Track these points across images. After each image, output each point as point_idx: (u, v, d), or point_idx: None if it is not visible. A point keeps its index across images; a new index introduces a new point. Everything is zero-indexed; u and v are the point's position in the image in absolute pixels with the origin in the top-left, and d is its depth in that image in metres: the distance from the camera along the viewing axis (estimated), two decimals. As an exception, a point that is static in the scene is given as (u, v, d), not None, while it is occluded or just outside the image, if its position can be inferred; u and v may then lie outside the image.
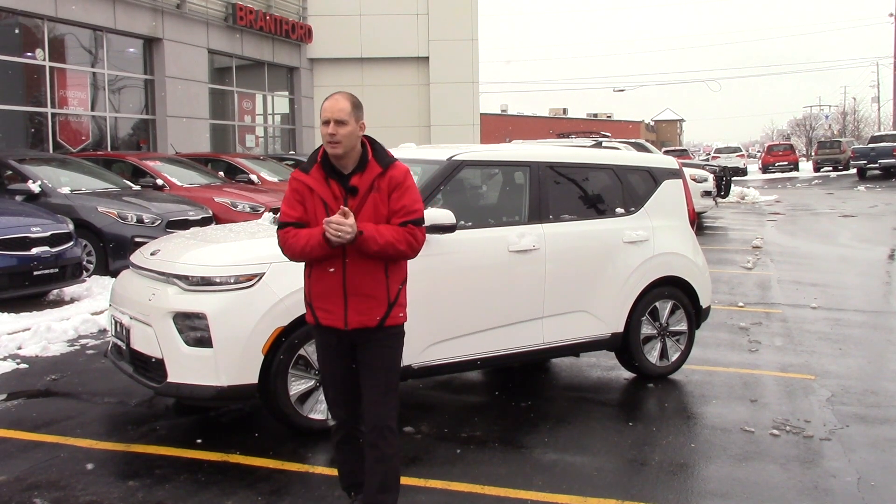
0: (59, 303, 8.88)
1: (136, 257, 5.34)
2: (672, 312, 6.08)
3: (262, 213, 9.53)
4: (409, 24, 24.65)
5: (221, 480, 4.24)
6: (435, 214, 4.66)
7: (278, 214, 5.77)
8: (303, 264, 3.54)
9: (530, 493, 4.11)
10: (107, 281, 9.45)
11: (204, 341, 4.52)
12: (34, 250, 8.44)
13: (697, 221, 11.61)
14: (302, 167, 3.52)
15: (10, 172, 10.43)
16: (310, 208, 3.43)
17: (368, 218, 3.37)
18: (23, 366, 6.56)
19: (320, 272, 3.42)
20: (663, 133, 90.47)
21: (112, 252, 9.87)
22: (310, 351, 4.71)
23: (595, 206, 5.88)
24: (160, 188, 12.16)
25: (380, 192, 3.40)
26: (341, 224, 3.22)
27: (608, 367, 6.43)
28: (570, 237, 5.60)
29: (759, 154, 64.00)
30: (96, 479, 4.26)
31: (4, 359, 6.68)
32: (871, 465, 4.53)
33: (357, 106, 3.40)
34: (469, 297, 5.14)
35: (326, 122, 3.35)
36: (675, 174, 6.36)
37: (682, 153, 34.85)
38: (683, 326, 6.14)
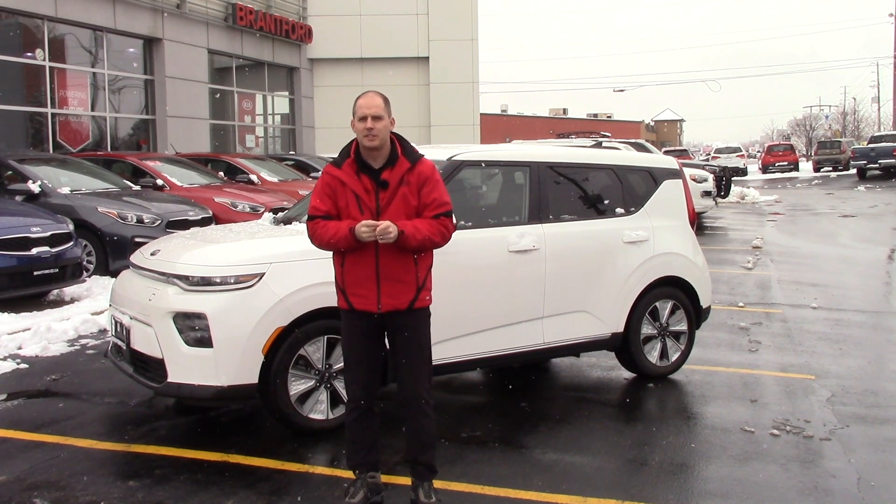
0: (59, 303, 8.88)
1: (136, 257, 5.34)
2: (672, 312, 6.08)
3: (262, 213, 9.53)
4: (409, 24, 24.66)
5: (221, 480, 4.24)
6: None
7: (279, 214, 5.82)
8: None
9: (530, 493, 4.11)
10: (107, 281, 9.45)
11: (204, 341, 4.52)
12: (34, 250, 8.44)
13: (697, 221, 11.61)
14: (334, 162, 3.80)
15: (10, 172, 10.43)
16: (341, 201, 3.73)
17: (399, 210, 3.68)
18: (23, 366, 6.56)
19: (354, 260, 3.72)
20: (663, 133, 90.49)
21: (112, 252, 9.87)
22: (310, 351, 4.71)
23: (595, 207, 5.87)
24: (160, 188, 12.16)
25: (409, 186, 3.70)
26: (370, 232, 3.57)
27: (608, 367, 6.43)
28: (570, 237, 5.60)
29: (759, 154, 64.00)
30: (96, 479, 4.26)
31: (4, 359, 6.68)
32: (871, 465, 4.53)
33: (387, 102, 3.74)
34: (469, 297, 5.13)
35: (363, 119, 3.66)
36: (675, 174, 6.36)
37: (682, 153, 34.84)
38: (683, 326, 6.13)
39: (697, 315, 6.26)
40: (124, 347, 4.98)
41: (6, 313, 7.99)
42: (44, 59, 15.51)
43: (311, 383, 4.75)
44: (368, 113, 3.66)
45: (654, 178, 6.19)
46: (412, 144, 3.87)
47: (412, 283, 3.73)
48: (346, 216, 3.70)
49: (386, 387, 5.09)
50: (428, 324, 3.85)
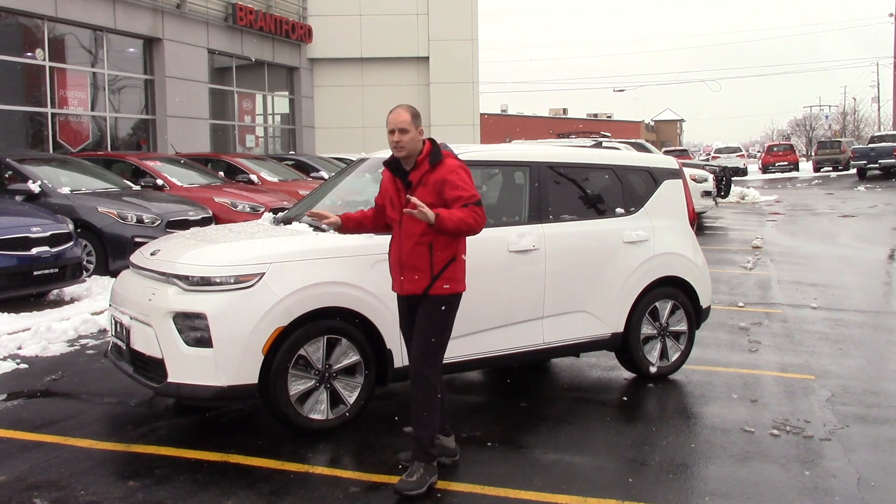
0: (59, 303, 8.89)
1: (136, 257, 5.34)
2: (672, 312, 6.08)
3: (262, 213, 9.53)
4: (409, 24, 24.66)
5: (221, 480, 4.24)
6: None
7: (279, 214, 5.83)
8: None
9: (530, 493, 4.11)
10: (107, 281, 9.45)
11: (204, 341, 4.52)
12: (34, 250, 8.44)
13: (697, 221, 11.62)
14: (385, 163, 4.30)
15: (10, 172, 10.43)
16: (385, 199, 4.34)
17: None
18: (23, 366, 6.55)
19: (390, 249, 4.28)
20: (663, 133, 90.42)
21: (112, 252, 9.87)
22: (310, 351, 4.71)
23: (595, 206, 5.88)
24: (160, 188, 12.16)
25: (426, 187, 4.05)
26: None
27: (608, 367, 6.43)
28: (570, 237, 5.60)
29: (759, 154, 64.01)
30: (96, 479, 4.26)
31: (4, 359, 6.68)
32: (871, 465, 4.53)
33: (416, 116, 4.13)
34: (469, 297, 5.09)
35: (392, 132, 4.09)
36: (675, 174, 6.36)
37: (682, 153, 34.86)
38: (683, 326, 6.13)
39: (697, 315, 6.26)
40: (124, 347, 4.98)
41: (6, 313, 7.99)
42: (44, 59, 15.51)
43: (311, 383, 4.75)
44: (396, 127, 4.07)
45: (654, 178, 6.19)
46: (443, 147, 4.17)
47: (426, 271, 4.05)
48: (388, 209, 4.28)
49: (385, 386, 5.11)
50: (444, 309, 4.10)
